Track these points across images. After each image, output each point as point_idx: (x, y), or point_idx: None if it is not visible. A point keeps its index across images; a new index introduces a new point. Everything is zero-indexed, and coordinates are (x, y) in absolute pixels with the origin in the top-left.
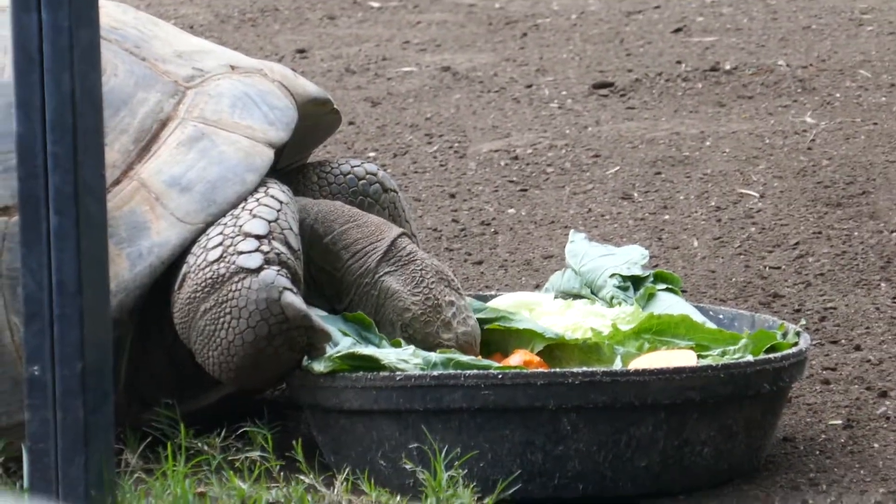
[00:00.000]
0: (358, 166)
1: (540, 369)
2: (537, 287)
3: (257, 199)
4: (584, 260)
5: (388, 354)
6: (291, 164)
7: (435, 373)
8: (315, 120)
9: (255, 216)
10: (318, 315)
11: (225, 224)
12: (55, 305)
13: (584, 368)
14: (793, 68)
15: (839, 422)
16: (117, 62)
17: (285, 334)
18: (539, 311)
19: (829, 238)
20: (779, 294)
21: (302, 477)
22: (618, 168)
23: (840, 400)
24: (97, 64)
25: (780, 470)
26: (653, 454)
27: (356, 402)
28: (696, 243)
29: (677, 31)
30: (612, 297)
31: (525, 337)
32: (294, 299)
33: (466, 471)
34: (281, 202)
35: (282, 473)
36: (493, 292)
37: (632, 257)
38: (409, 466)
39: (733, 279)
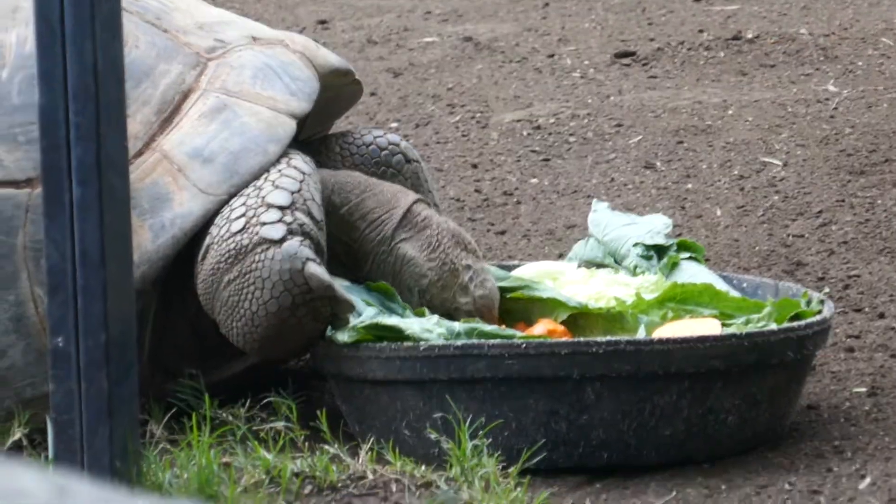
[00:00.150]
0: (380, 137)
1: (564, 338)
2: (560, 256)
3: (280, 170)
4: (607, 229)
5: (411, 324)
6: (313, 136)
7: (459, 342)
8: (337, 91)
9: (277, 187)
10: (341, 285)
11: (248, 195)
12: (79, 277)
13: (608, 338)
14: (815, 36)
15: (863, 389)
16: (139, 34)
17: (309, 304)
18: (562, 280)
19: (853, 206)
20: (802, 262)
21: (326, 447)
22: (640, 137)
23: (864, 368)
24: (119, 34)
25: (804, 438)
26: (677, 423)
27: (380, 371)
28: (719, 212)
29: None
30: (635, 266)
31: (549, 306)
32: (317, 269)
33: (491, 440)
34: (304, 173)
35: (306, 443)
36: (516, 262)
37: (655, 226)
38: (433, 436)
39: (756, 248)
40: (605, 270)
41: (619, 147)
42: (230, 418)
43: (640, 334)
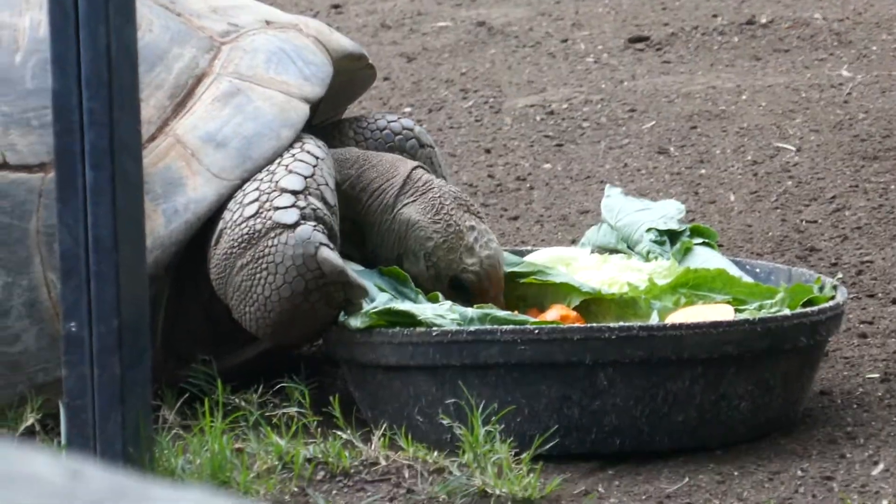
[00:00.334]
0: (394, 122)
1: (576, 324)
2: (573, 242)
3: (293, 155)
4: (620, 215)
5: (424, 310)
6: (327, 120)
7: (471, 328)
8: (350, 75)
9: (291, 172)
10: (354, 270)
11: (261, 180)
12: (91, 262)
13: (621, 323)
14: (829, 21)
15: (876, 375)
16: (152, 17)
17: (322, 290)
18: (575, 265)
19: (866, 191)
20: (815, 248)
21: (339, 433)
22: (654, 122)
23: (877, 353)
24: (133, 18)
25: (817, 424)
26: (690, 409)
27: (393, 357)
28: (732, 197)
29: None
30: (648, 252)
31: (561, 291)
32: (330, 254)
33: (503, 426)
34: (317, 157)
35: (319, 429)
36: (529, 247)
37: (668, 212)
38: (446, 422)
39: (770, 233)
40: (617, 256)
41: (633, 132)
42: (243, 404)
43: (653, 320)
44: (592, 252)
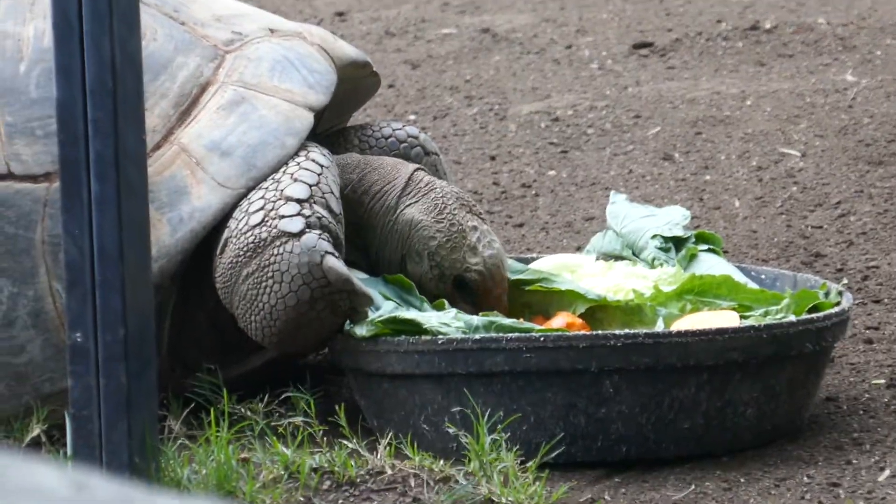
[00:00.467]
0: (399, 129)
1: (582, 331)
2: (578, 249)
3: (298, 163)
4: (625, 221)
5: (429, 318)
6: (331, 128)
7: (477, 336)
8: (354, 83)
9: (296, 180)
10: (359, 278)
11: (266, 188)
12: (97, 271)
13: (627, 330)
14: (833, 26)
15: (882, 381)
16: (156, 26)
17: (327, 298)
18: (580, 272)
19: (871, 197)
20: (821, 253)
21: (345, 442)
22: (658, 128)
23: (883, 359)
24: (137, 27)
25: (823, 430)
26: (695, 416)
27: (398, 366)
28: (737, 203)
29: None
30: (653, 259)
31: (567, 299)
32: (336, 263)
33: (509, 434)
34: (322, 166)
35: (325, 438)
36: (534, 254)
37: (673, 218)
38: (451, 430)
39: (775, 239)
40: (623, 263)
41: (638, 138)
42: (248, 413)
43: (659, 327)
44: (597, 259)
